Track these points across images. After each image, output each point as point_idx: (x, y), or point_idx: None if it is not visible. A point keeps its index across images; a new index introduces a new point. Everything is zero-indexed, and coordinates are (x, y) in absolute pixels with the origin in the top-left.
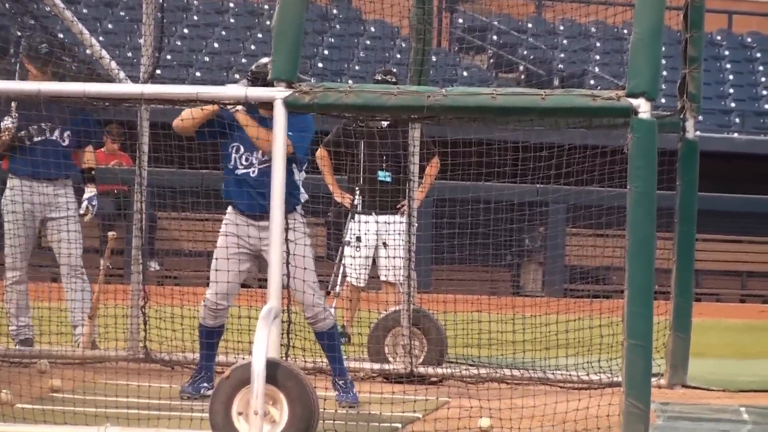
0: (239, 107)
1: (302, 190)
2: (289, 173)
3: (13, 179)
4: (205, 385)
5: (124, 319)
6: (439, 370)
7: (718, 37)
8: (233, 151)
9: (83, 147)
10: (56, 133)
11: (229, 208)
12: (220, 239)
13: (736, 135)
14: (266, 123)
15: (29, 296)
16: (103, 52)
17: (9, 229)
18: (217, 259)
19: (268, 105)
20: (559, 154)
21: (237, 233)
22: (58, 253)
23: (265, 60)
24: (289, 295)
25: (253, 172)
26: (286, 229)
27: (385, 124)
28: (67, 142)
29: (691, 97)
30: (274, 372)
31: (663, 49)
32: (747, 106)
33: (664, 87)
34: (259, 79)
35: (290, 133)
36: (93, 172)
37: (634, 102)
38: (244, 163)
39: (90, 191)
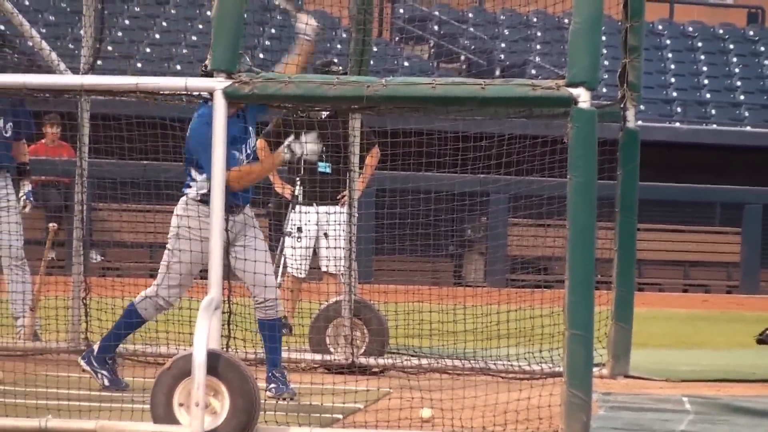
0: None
1: None
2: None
3: None
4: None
5: (65, 311)
6: (381, 361)
7: (660, 27)
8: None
9: (22, 139)
10: None
11: (198, 206)
12: (184, 236)
13: (677, 124)
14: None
15: None
16: (44, 44)
17: None
18: (180, 262)
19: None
20: (500, 144)
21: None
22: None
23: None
24: (230, 286)
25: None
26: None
27: (325, 114)
28: (9, 134)
29: (632, 86)
30: (215, 363)
31: (603, 38)
32: (688, 96)
33: (605, 77)
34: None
35: None
36: (27, 167)
37: (574, 91)
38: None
39: (26, 186)
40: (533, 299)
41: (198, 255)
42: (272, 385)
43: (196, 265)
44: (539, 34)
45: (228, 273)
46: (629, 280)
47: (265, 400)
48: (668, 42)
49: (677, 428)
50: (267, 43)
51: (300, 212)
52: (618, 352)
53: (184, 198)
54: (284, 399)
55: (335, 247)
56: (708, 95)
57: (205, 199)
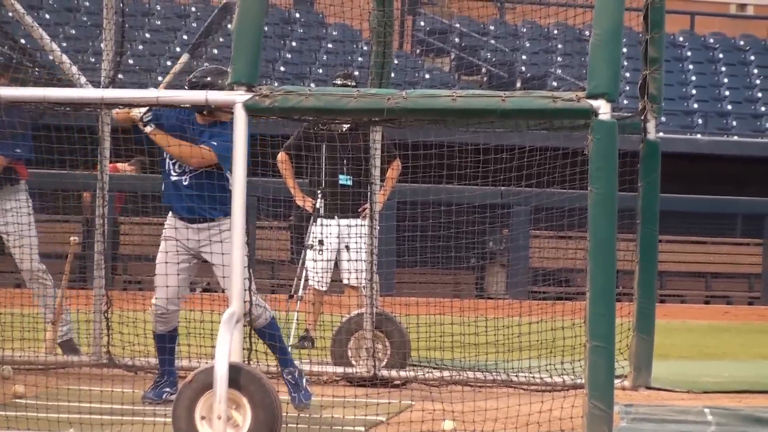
0: (149, 128)
1: None
2: (221, 179)
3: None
4: (168, 390)
5: (87, 324)
6: (403, 373)
7: (681, 38)
8: (167, 157)
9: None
10: None
11: (170, 213)
12: (161, 244)
13: (699, 136)
14: (203, 132)
15: None
16: (64, 57)
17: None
18: (160, 264)
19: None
20: (521, 156)
21: (176, 237)
22: (20, 259)
23: (202, 68)
24: (251, 299)
25: (185, 180)
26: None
27: (345, 127)
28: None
29: (652, 98)
30: (236, 376)
31: (625, 50)
32: (710, 107)
33: (626, 88)
34: (197, 88)
35: (213, 143)
36: None
37: (594, 103)
38: (177, 170)
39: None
40: (555, 311)
41: (161, 265)
42: (292, 395)
43: (172, 270)
44: (560, 46)
45: (250, 286)
46: (651, 292)
47: (287, 413)
48: (689, 53)
49: None
50: (288, 56)
51: (321, 225)
52: (639, 363)
53: None
54: (300, 410)
55: (356, 260)
56: (729, 107)
57: (165, 201)
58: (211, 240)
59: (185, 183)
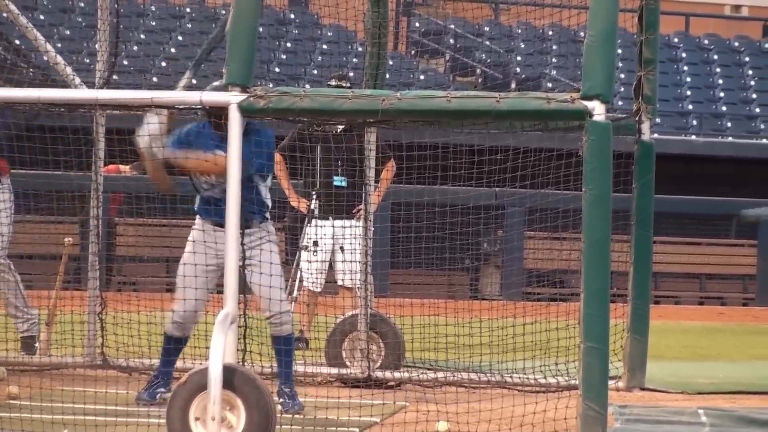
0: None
1: (268, 197)
2: (250, 189)
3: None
4: (161, 390)
5: (81, 326)
6: (397, 374)
7: (675, 39)
8: (192, 176)
9: None
10: None
11: (197, 218)
12: (187, 249)
13: (693, 137)
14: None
15: None
16: (59, 58)
17: None
18: (185, 275)
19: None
20: (515, 157)
21: (205, 241)
22: None
23: (216, 83)
24: (245, 301)
25: (216, 193)
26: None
27: (340, 128)
28: None
29: (647, 99)
30: (231, 377)
31: (620, 51)
32: (704, 108)
33: (621, 90)
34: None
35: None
36: None
37: (589, 104)
38: (205, 186)
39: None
40: (549, 312)
41: (191, 267)
42: (280, 400)
43: (199, 278)
44: (555, 47)
45: (244, 287)
46: (645, 293)
47: (281, 415)
48: (683, 55)
49: None
50: (283, 57)
51: (316, 226)
52: (634, 364)
53: None
54: (292, 414)
55: (351, 261)
56: (723, 108)
57: (198, 210)
58: (251, 246)
59: (218, 197)
